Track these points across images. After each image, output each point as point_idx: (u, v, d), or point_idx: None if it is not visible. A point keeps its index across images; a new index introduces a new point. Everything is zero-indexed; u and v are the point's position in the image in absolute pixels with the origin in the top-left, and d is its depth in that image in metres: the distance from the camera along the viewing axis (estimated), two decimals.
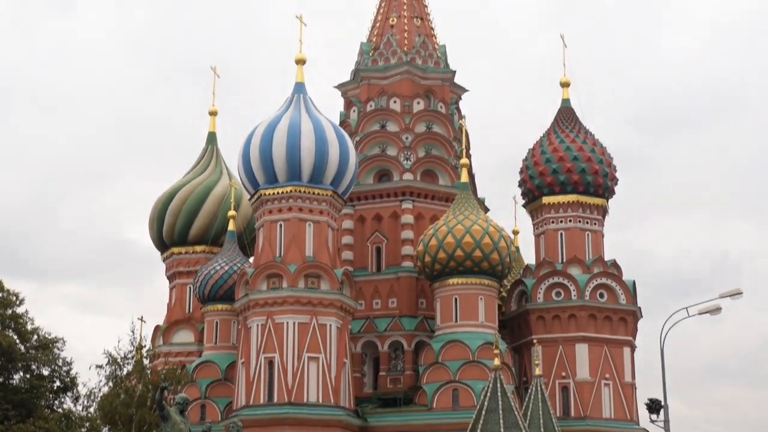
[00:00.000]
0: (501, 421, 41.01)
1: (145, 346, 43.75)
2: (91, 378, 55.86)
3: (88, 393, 40.67)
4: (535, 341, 48.58)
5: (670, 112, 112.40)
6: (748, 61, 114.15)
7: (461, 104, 63.20)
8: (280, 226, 50.74)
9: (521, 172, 56.94)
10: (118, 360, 39.61)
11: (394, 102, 60.91)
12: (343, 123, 60.75)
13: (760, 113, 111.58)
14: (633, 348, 54.36)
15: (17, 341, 44.42)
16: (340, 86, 63.98)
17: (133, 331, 40.09)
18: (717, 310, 36.40)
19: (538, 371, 45.44)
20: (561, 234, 54.97)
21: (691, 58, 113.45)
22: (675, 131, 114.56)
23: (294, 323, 48.90)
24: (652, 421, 35.13)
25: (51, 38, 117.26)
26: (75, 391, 44.96)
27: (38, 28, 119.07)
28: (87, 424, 42.61)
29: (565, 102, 57.94)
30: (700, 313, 36.51)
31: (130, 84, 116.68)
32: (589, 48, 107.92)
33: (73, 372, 45.48)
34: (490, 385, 42.30)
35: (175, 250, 59.61)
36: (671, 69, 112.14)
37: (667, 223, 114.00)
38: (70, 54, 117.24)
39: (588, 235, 55.10)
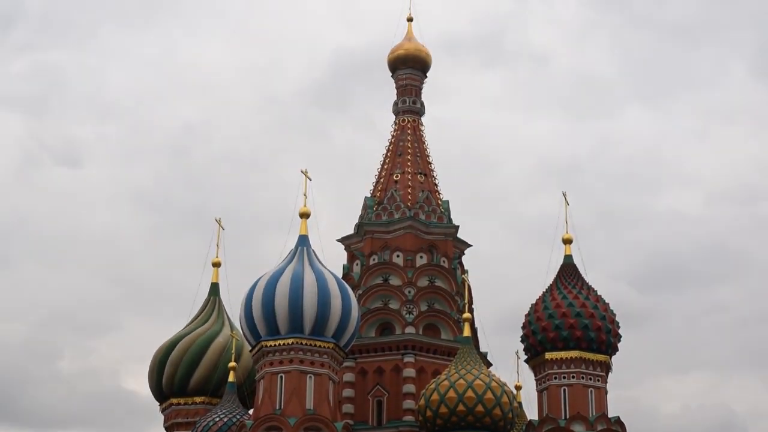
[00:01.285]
0: None
1: None
2: None
3: None
4: None
5: (671, 269, 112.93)
6: (748, 220, 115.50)
7: (464, 259, 63.63)
8: (281, 378, 50.25)
9: (524, 327, 56.68)
10: None
11: (397, 256, 61.34)
12: (346, 276, 61.02)
13: (761, 271, 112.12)
14: None
15: None
16: (343, 240, 64.54)
17: None
18: None
19: None
20: (564, 390, 54.40)
21: (690, 215, 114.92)
22: (677, 288, 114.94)
23: None
24: None
25: (55, 188, 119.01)
26: None
27: (43, 179, 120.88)
28: None
29: (568, 258, 58.12)
30: None
31: (133, 234, 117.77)
32: (590, 205, 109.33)
33: None
34: None
35: (174, 400, 59.06)
36: (671, 226, 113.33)
37: (671, 380, 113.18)
38: (72, 204, 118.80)
39: (591, 391, 54.50)
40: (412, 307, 59.25)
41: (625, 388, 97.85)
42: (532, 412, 57.70)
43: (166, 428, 59.95)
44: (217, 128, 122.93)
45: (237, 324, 56.26)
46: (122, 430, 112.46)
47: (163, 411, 60.42)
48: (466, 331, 55.25)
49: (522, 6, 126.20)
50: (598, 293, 56.60)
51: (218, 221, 63.76)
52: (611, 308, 56.33)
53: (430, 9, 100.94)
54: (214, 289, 63.55)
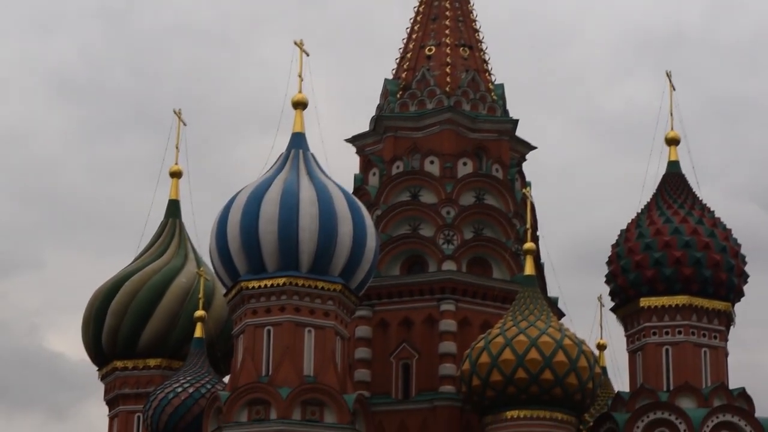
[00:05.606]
0: None
1: None
2: None
3: None
4: None
5: None
6: None
7: (525, 167, 63.63)
8: (269, 332, 50.63)
9: (610, 262, 56.93)
10: None
11: (432, 162, 61.39)
12: (359, 190, 61.20)
13: None
14: None
15: None
16: (354, 139, 64.51)
17: None
18: None
19: None
20: (667, 350, 54.63)
21: None
22: None
23: None
24: None
25: None
26: None
27: None
28: None
29: (673, 165, 58.04)
30: None
31: (53, 134, 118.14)
32: (704, 91, 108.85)
33: None
34: None
35: (119, 363, 59.72)
36: None
37: None
38: None
39: (705, 352, 54.72)
40: (452, 234, 59.35)
41: (752, 350, 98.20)
42: (621, 382, 58.23)
43: (107, 402, 60.65)
44: None
45: (206, 257, 56.57)
46: (45, 406, 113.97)
47: (102, 379, 61.06)
48: (528, 269, 55.46)
49: None
50: (716, 215, 56.66)
51: (177, 114, 63.95)
52: (734, 236, 56.40)
53: None
54: (173, 208, 63.84)
